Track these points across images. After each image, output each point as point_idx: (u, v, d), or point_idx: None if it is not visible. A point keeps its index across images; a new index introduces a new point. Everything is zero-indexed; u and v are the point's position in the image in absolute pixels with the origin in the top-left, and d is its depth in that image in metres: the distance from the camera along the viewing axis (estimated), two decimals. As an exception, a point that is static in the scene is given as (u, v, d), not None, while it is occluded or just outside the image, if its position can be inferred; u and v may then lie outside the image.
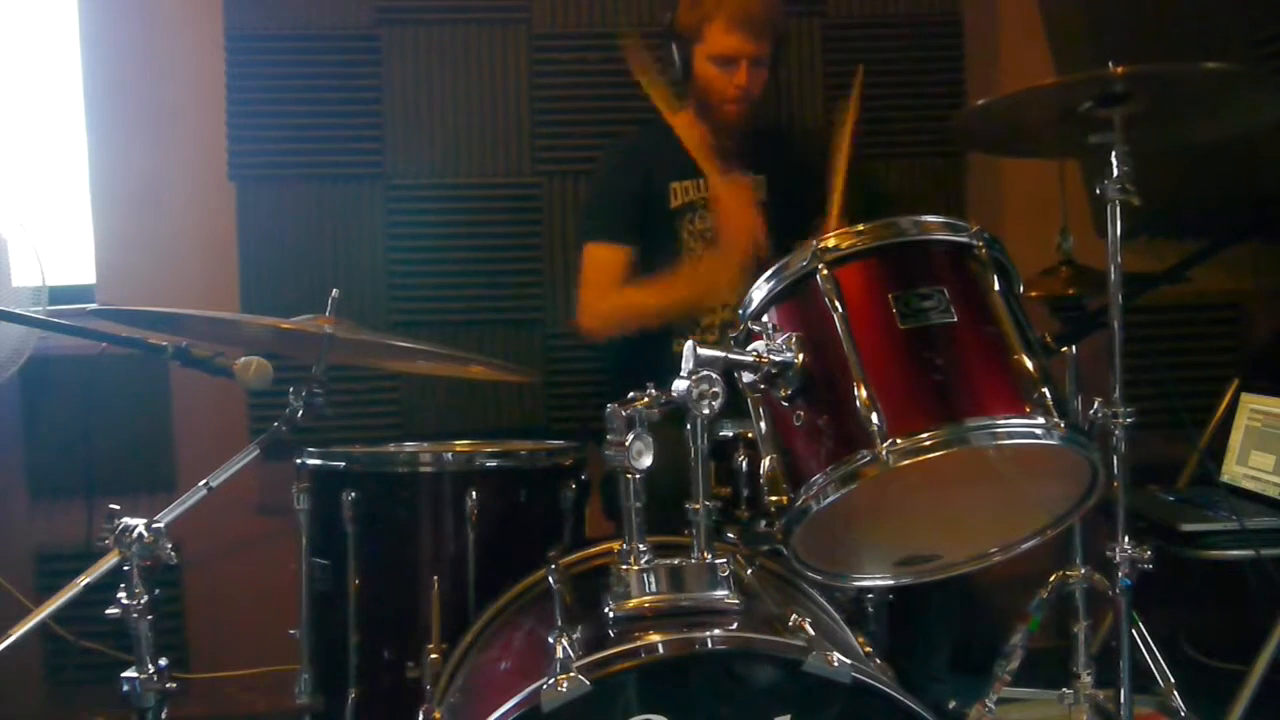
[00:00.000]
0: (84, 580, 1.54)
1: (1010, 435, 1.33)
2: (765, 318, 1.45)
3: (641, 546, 1.33)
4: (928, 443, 1.30)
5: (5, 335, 2.49)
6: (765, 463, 1.41)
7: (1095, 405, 1.64)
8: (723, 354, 1.35)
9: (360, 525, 1.80)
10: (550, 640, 1.23)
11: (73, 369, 2.72)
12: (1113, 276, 1.68)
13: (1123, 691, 1.70)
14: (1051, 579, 2.11)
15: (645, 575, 1.32)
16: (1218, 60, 1.60)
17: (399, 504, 1.84)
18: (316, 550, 1.88)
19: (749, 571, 1.54)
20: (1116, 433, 1.65)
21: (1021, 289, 1.51)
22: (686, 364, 1.31)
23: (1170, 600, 2.18)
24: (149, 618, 1.47)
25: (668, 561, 1.33)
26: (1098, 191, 1.67)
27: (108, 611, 1.47)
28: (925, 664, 2.11)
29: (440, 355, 2.17)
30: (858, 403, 1.32)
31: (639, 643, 1.23)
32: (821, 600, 1.63)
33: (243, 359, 1.64)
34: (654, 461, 1.31)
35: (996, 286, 1.42)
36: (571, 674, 1.15)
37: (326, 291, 1.88)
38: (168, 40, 2.81)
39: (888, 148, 2.86)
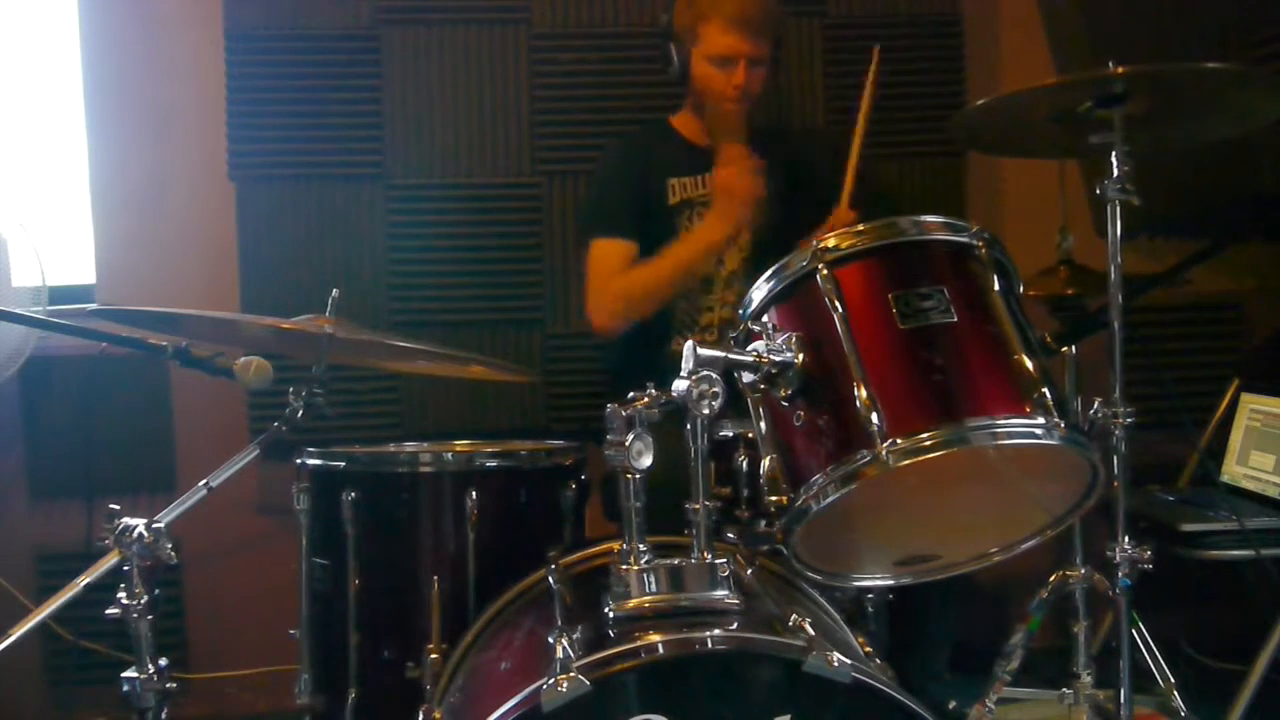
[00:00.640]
0: (84, 580, 1.54)
1: (1010, 435, 1.33)
2: (765, 318, 1.45)
3: (641, 546, 1.33)
4: (928, 443, 1.30)
5: (5, 335, 2.49)
6: (765, 463, 1.41)
7: (1095, 405, 1.63)
8: (723, 354, 1.35)
9: (360, 525, 1.80)
10: (550, 640, 1.23)
11: (73, 369, 2.72)
12: (1113, 276, 1.68)
13: (1123, 691, 1.70)
14: (1051, 579, 2.11)
15: (645, 575, 1.32)
16: (1217, 60, 1.60)
17: (399, 504, 1.84)
18: (316, 550, 1.87)
19: (749, 571, 1.54)
20: (1116, 433, 1.65)
21: (1021, 289, 1.51)
22: (686, 364, 1.31)
23: (1170, 600, 2.18)
24: (149, 618, 1.47)
25: (668, 561, 1.33)
26: (1098, 191, 1.67)
27: (108, 611, 1.47)
28: (925, 664, 2.11)
29: (440, 355, 2.17)
30: (858, 403, 1.32)
31: (639, 643, 1.23)
32: (821, 600, 1.63)
33: (243, 359, 1.64)
34: (654, 461, 1.31)
35: (996, 286, 1.42)
36: (571, 674, 1.15)
37: (326, 291, 1.88)
38: (168, 40, 2.81)
39: (888, 148, 2.86)
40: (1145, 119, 1.69)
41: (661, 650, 1.22)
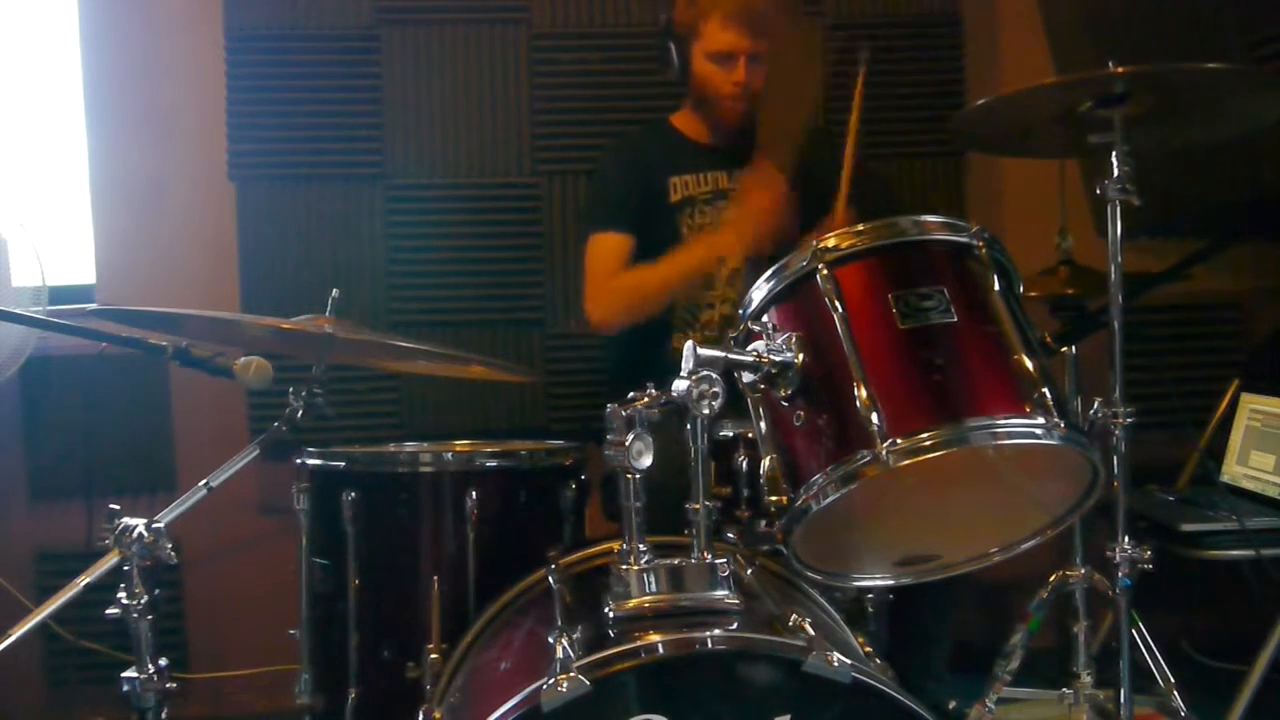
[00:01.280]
0: (84, 580, 1.54)
1: (1010, 435, 1.33)
2: (765, 318, 1.45)
3: (641, 546, 1.33)
4: (928, 443, 1.30)
5: (5, 335, 2.49)
6: (765, 463, 1.41)
7: (1095, 405, 1.64)
8: (723, 354, 1.35)
9: (360, 525, 1.80)
10: (550, 640, 1.23)
11: (73, 369, 2.72)
12: (1113, 276, 1.68)
13: (1123, 691, 1.70)
14: (1051, 579, 2.11)
15: (645, 575, 1.32)
16: (1217, 60, 1.60)
17: (399, 504, 1.84)
18: (316, 550, 1.87)
19: (749, 571, 1.54)
20: (1116, 433, 1.65)
21: (1021, 289, 1.51)
22: (686, 364, 1.31)
23: (1170, 600, 2.18)
24: (149, 618, 1.47)
25: (668, 561, 1.33)
26: (1098, 191, 1.67)
27: (108, 611, 1.47)
28: (925, 664, 2.11)
29: (440, 355, 2.17)
30: (858, 403, 1.32)
31: (639, 643, 1.23)
32: (821, 600, 1.63)
33: (243, 359, 1.64)
34: (654, 461, 1.31)
35: (996, 286, 1.42)
36: (571, 674, 1.15)
37: (326, 291, 1.88)
38: (168, 40, 2.81)
39: (888, 148, 2.86)
40: (1145, 119, 1.69)
41: (661, 650, 1.22)
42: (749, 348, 1.41)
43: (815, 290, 1.41)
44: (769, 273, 1.46)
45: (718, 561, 1.33)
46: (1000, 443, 1.33)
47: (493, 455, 1.88)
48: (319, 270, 2.75)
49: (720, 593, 1.32)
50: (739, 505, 1.71)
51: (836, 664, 1.18)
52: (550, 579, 1.54)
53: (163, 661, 1.50)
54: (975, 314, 1.39)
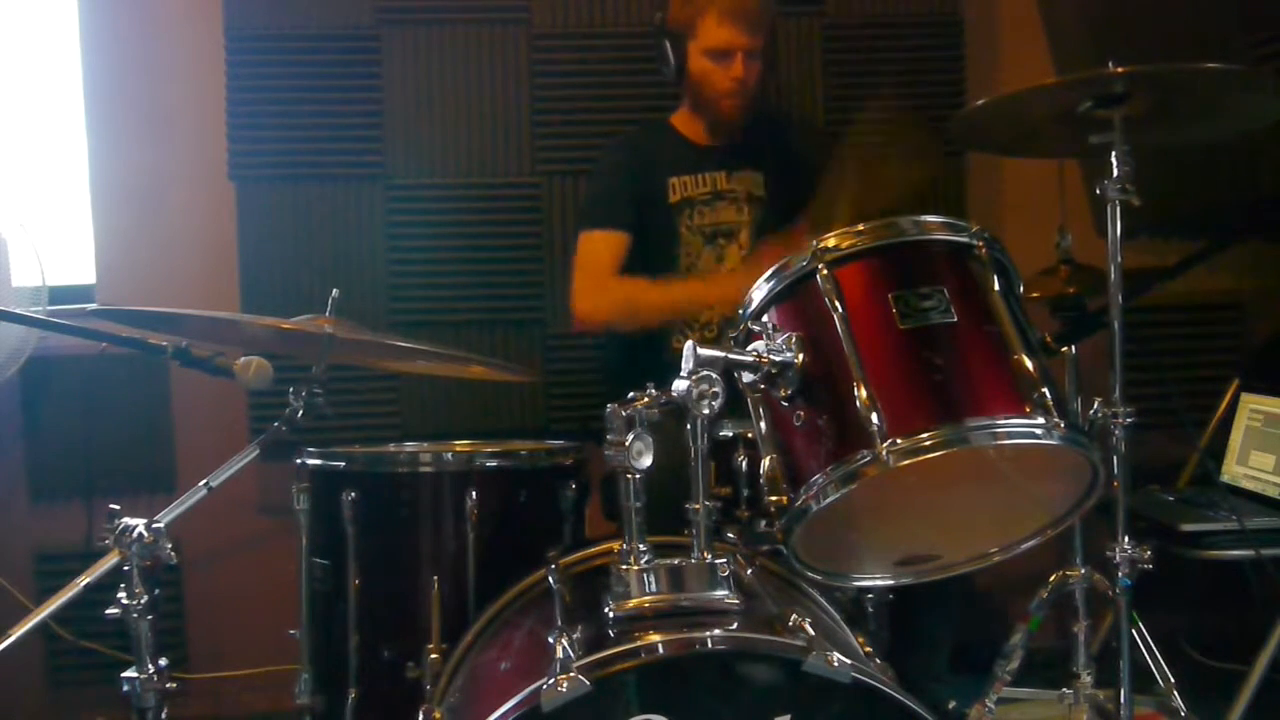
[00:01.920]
0: (84, 580, 1.54)
1: (1010, 435, 1.33)
2: (765, 318, 1.45)
3: (641, 546, 1.33)
4: (928, 443, 1.30)
5: (5, 335, 2.49)
6: (765, 463, 1.41)
7: (1095, 405, 1.64)
8: (723, 354, 1.35)
9: (360, 525, 1.80)
10: (550, 640, 1.23)
11: (73, 369, 2.72)
12: (1113, 276, 1.68)
13: (1123, 691, 1.70)
14: (1051, 579, 2.11)
15: (645, 575, 1.32)
16: (1217, 60, 1.60)
17: (399, 504, 1.84)
18: (316, 550, 1.87)
19: (749, 571, 1.54)
20: (1116, 433, 1.65)
21: (1022, 289, 1.51)
22: (686, 364, 1.31)
23: (1170, 600, 2.18)
24: (149, 618, 1.47)
25: (668, 561, 1.33)
26: (1098, 191, 1.67)
27: (108, 611, 1.47)
28: (925, 664, 2.11)
29: (440, 355, 2.17)
30: (858, 403, 1.32)
31: (639, 643, 1.23)
32: (821, 600, 1.63)
33: (243, 359, 1.64)
34: (654, 461, 1.31)
35: (996, 286, 1.42)
36: (571, 674, 1.15)
37: (326, 291, 1.88)
38: (168, 40, 2.81)
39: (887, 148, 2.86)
40: (1145, 119, 1.69)
41: (661, 650, 1.22)
42: (749, 348, 1.41)
43: (815, 290, 1.41)
44: (769, 272, 1.46)
45: (718, 561, 1.33)
46: (1000, 443, 1.33)
47: (493, 455, 1.88)
48: (319, 270, 2.74)
49: (720, 593, 1.32)
50: (739, 505, 1.71)
51: (836, 664, 1.18)
52: (550, 579, 1.54)
53: (163, 661, 1.50)
54: (975, 314, 1.39)
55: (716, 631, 1.27)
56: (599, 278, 2.28)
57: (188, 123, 2.81)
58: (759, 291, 1.47)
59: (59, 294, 2.71)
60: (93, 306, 2.77)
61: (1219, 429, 2.66)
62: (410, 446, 2.06)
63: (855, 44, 2.86)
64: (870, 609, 1.74)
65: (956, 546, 1.52)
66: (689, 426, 1.32)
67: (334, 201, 2.78)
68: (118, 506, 1.49)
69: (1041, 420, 1.33)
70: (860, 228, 1.44)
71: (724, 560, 1.33)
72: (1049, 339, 1.49)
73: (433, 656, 1.70)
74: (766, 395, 1.42)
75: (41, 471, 2.79)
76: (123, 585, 1.48)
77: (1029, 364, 1.37)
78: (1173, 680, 2.05)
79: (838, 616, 1.62)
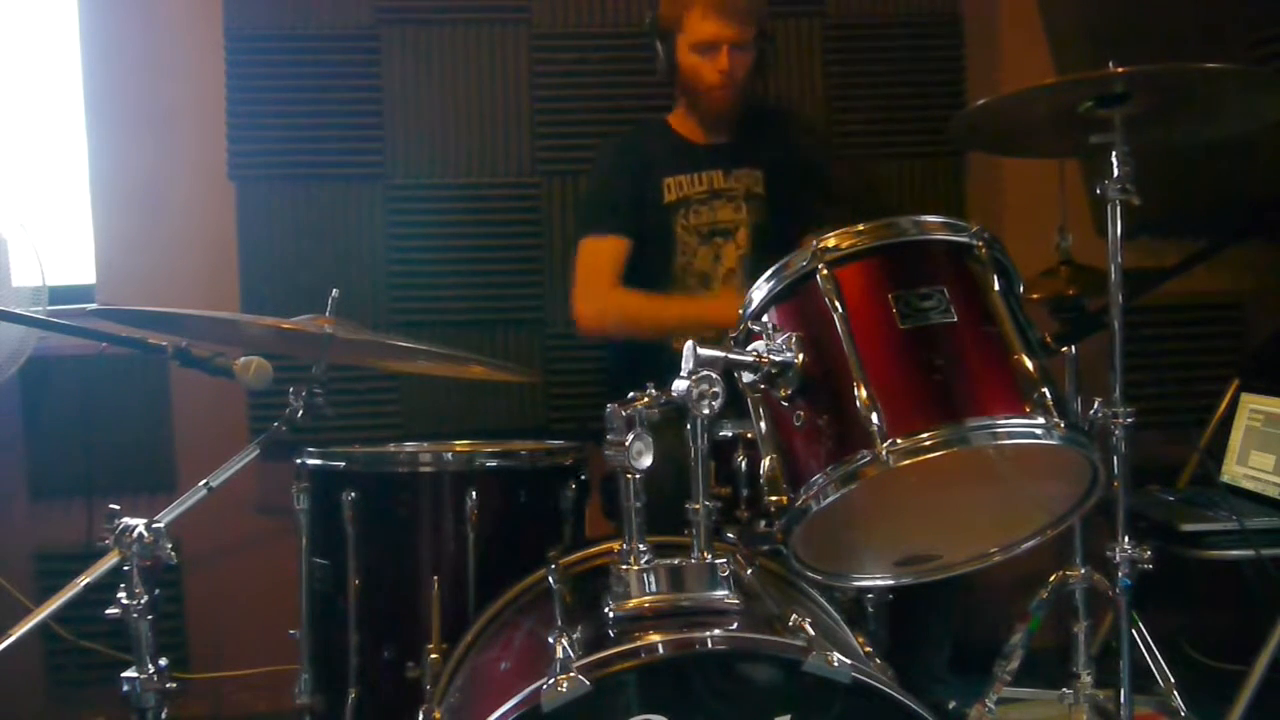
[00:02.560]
0: (84, 580, 1.54)
1: (1010, 435, 1.33)
2: (765, 318, 1.45)
3: (641, 546, 1.33)
4: (928, 443, 1.30)
5: (5, 335, 2.49)
6: (765, 463, 1.41)
7: (1095, 405, 1.64)
8: (723, 354, 1.35)
9: (360, 525, 1.80)
10: (550, 640, 1.23)
11: (73, 369, 2.72)
12: (1113, 276, 1.68)
13: (1123, 691, 1.70)
14: (1051, 579, 2.11)
15: (645, 575, 1.32)
16: (1218, 60, 1.60)
17: (399, 504, 1.84)
18: (316, 550, 1.88)
19: (749, 571, 1.54)
20: (1116, 433, 1.65)
21: (1022, 289, 1.51)
22: (686, 364, 1.31)
23: (1170, 600, 2.18)
24: (149, 618, 1.47)
25: (668, 561, 1.33)
26: (1098, 191, 1.67)
27: (108, 611, 1.48)
28: (925, 664, 2.11)
29: (440, 355, 2.17)
30: (858, 403, 1.32)
31: (639, 643, 1.23)
32: (821, 600, 1.63)
33: (243, 359, 1.64)
34: (654, 461, 1.31)
35: (996, 286, 1.42)
36: (571, 674, 1.15)
37: (326, 291, 1.88)
38: (168, 40, 2.81)
39: (888, 148, 2.86)
40: (1145, 119, 1.69)
41: (661, 650, 1.22)
42: (749, 348, 1.41)
43: (815, 290, 1.41)
44: (769, 272, 1.46)
45: (718, 561, 1.33)
46: (1000, 443, 1.33)
47: (493, 455, 1.88)
48: (319, 270, 2.74)
49: (720, 593, 1.32)
50: (739, 505, 1.71)
51: (836, 664, 1.18)
52: (550, 579, 1.54)
53: (163, 661, 1.51)
54: (975, 314, 1.39)
55: (716, 631, 1.27)
56: (599, 286, 2.28)
57: (188, 123, 2.81)
58: (759, 291, 1.47)
59: (59, 294, 2.71)
60: (93, 306, 2.77)
61: (1219, 429, 2.66)
62: (410, 446, 2.06)
63: (855, 44, 2.85)
64: (870, 609, 1.74)
65: (956, 546, 1.53)
66: (689, 426, 1.32)
67: (334, 201, 2.78)
68: (118, 506, 1.50)
69: (1041, 420, 1.33)
70: (860, 228, 1.44)
71: (724, 560, 1.33)
72: (1049, 339, 1.49)
73: (433, 656, 1.70)
74: (766, 395, 1.42)
75: (41, 471, 2.79)
76: (123, 585, 1.48)
77: (1029, 364, 1.37)
78: (1173, 680, 2.05)
79: (838, 616, 1.62)
